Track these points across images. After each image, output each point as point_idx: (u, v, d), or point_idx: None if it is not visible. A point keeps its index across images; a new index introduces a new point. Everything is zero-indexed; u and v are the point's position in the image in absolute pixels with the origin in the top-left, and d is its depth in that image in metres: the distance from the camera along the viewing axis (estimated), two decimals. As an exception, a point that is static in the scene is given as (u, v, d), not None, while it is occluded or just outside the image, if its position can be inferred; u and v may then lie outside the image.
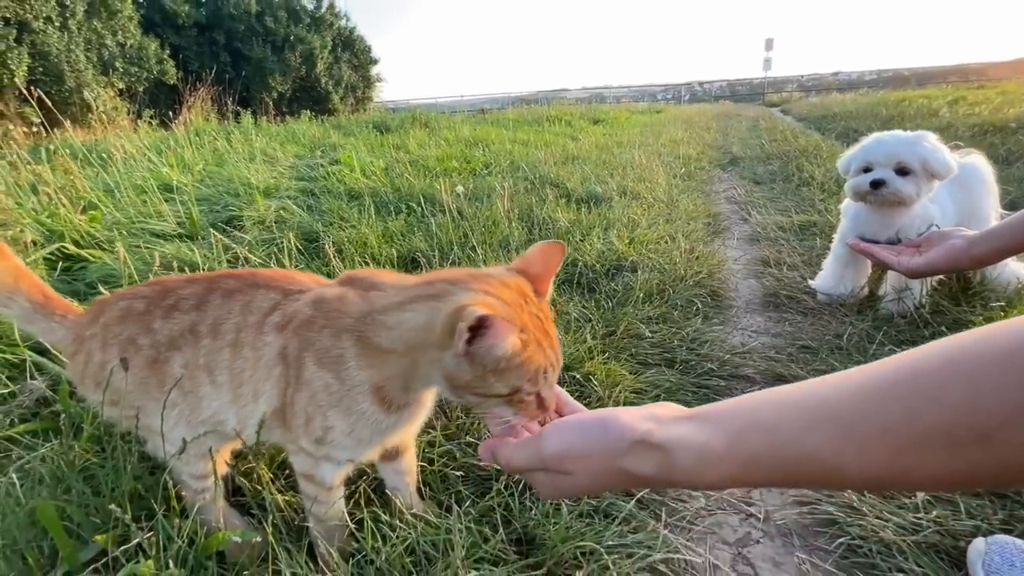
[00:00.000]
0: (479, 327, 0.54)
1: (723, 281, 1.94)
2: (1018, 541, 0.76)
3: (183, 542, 0.76)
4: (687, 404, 0.56)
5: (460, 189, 2.59)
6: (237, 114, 6.31)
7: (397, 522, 0.81)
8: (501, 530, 0.81)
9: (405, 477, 0.88)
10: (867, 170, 1.54)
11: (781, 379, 1.32)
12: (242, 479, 0.92)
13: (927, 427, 0.36)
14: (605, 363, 1.31)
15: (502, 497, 0.90)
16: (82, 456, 0.95)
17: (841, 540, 0.86)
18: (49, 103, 3.30)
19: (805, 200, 2.94)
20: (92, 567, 0.78)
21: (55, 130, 4.34)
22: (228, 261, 1.90)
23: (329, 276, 1.12)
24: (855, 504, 0.90)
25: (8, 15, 8.58)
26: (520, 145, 4.94)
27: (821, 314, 1.65)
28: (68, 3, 9.73)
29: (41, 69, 8.83)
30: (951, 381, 0.36)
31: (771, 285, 1.87)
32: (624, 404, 1.17)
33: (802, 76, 28.95)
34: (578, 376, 1.25)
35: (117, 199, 2.62)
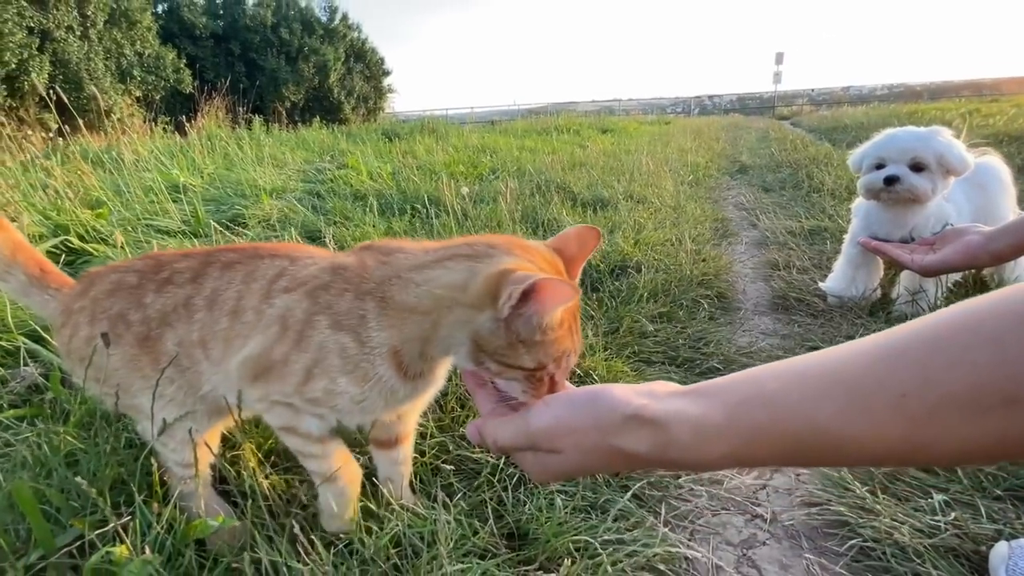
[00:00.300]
0: (530, 291, 0.52)
1: (730, 283, 1.90)
2: (1044, 545, 0.71)
3: (162, 528, 0.74)
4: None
5: (465, 190, 2.58)
6: (249, 121, 6.40)
7: (384, 513, 0.78)
8: (491, 523, 0.78)
9: (400, 467, 0.85)
10: (880, 167, 1.49)
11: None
12: (227, 466, 0.89)
13: (948, 392, 0.33)
14: (607, 360, 1.27)
15: (494, 491, 0.87)
16: (67, 441, 0.93)
17: (853, 542, 0.81)
18: (70, 108, 3.36)
19: (815, 206, 2.90)
20: (68, 552, 0.75)
21: (73, 135, 4.41)
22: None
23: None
24: (867, 504, 0.85)
25: (32, 24, 8.83)
26: (528, 152, 4.95)
27: (832, 316, 1.61)
28: (89, 13, 9.99)
29: (61, 76, 9.04)
30: (974, 343, 0.33)
31: (780, 287, 1.83)
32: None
33: (812, 90, 28.92)
34: (578, 371, 1.22)
35: (126, 198, 2.64)
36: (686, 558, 0.80)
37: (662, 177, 3.58)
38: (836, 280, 1.68)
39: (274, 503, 0.82)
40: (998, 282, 1.57)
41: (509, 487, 0.87)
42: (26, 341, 1.25)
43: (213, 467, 0.88)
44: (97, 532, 0.72)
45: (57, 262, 1.85)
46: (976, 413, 0.32)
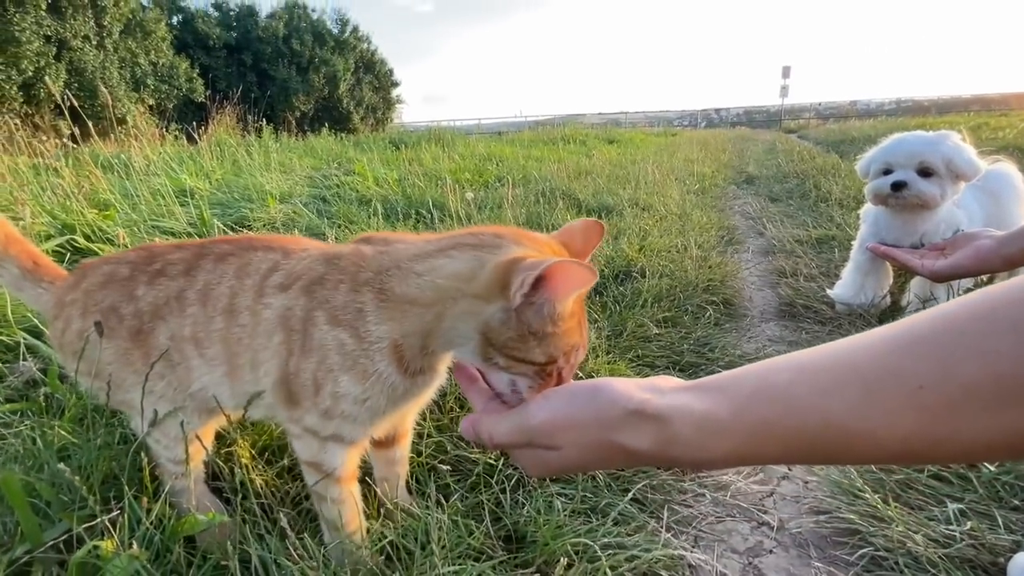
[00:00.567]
0: (544, 277, 0.50)
1: (737, 290, 1.88)
2: (1065, 556, 0.68)
3: (151, 524, 0.72)
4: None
5: (470, 195, 2.58)
6: (259, 130, 6.47)
7: (376, 512, 0.76)
8: (488, 524, 0.75)
9: (396, 467, 0.83)
10: (888, 172, 1.47)
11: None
12: (220, 463, 0.87)
13: (968, 383, 0.31)
14: (610, 363, 1.25)
15: (492, 492, 0.84)
16: (60, 435, 0.92)
17: (864, 551, 0.78)
18: (83, 115, 3.40)
19: (823, 215, 2.87)
20: (55, 546, 0.74)
21: (86, 141, 4.47)
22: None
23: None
24: (879, 512, 0.82)
25: (50, 33, 9.02)
26: (534, 161, 4.96)
27: (840, 323, 1.58)
28: (106, 23, 10.20)
29: (76, 84, 9.21)
30: (995, 331, 0.31)
31: (787, 295, 1.80)
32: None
33: (819, 104, 28.93)
34: (579, 374, 1.19)
35: (134, 201, 2.66)
36: (689, 565, 0.77)
37: (668, 186, 3.57)
38: (844, 287, 1.65)
39: (267, 500, 0.81)
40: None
41: (507, 488, 0.85)
42: (26, 336, 1.25)
43: (206, 463, 0.86)
44: (85, 526, 0.70)
45: (62, 260, 1.86)
46: (997, 405, 0.30)
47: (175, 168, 3.76)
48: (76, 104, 3.34)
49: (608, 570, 0.70)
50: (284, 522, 0.62)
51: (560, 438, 0.45)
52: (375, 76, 18.71)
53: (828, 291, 1.71)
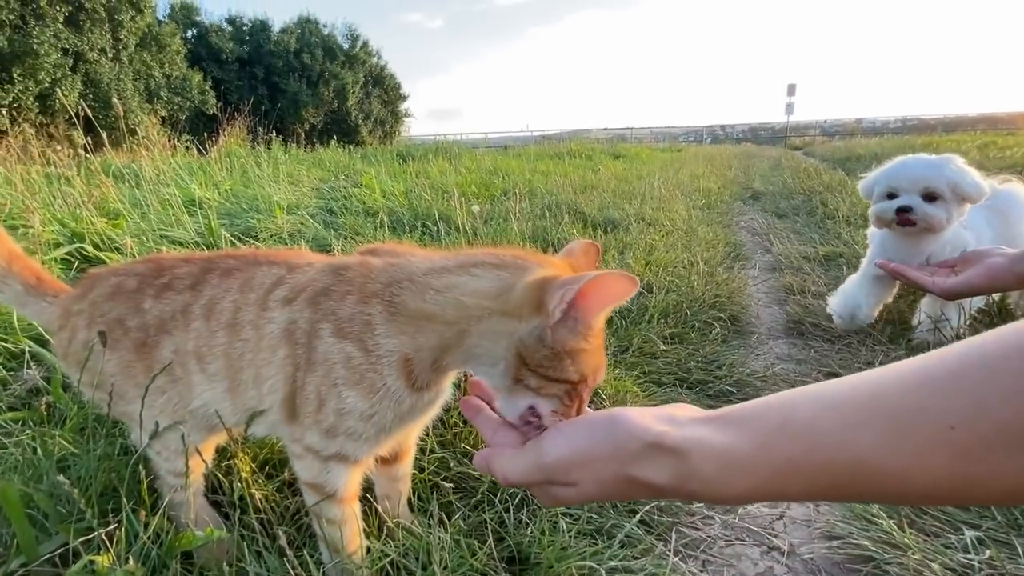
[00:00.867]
0: (584, 292, 0.50)
1: (744, 306, 1.86)
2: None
3: (148, 539, 0.71)
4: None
5: (476, 208, 2.59)
6: (269, 141, 6.55)
7: (376, 531, 0.74)
8: (491, 544, 0.74)
9: (398, 484, 0.81)
10: (892, 196, 1.46)
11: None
12: (220, 476, 0.86)
13: (1003, 422, 0.29)
14: (616, 379, 1.24)
15: (495, 511, 0.83)
16: (61, 445, 0.91)
17: (878, 579, 0.75)
18: (96, 126, 3.46)
19: (830, 232, 2.86)
20: (51, 559, 0.73)
21: (98, 151, 4.53)
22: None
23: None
24: (894, 539, 0.79)
25: (67, 46, 9.22)
26: (540, 175, 4.98)
27: (850, 342, 1.56)
28: (122, 37, 10.42)
29: (91, 96, 9.38)
30: None
31: (795, 312, 1.78)
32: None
33: (825, 121, 29.02)
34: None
35: (143, 210, 2.69)
36: (698, 590, 0.75)
37: (674, 201, 3.58)
38: (842, 299, 1.61)
39: (266, 515, 0.79)
40: (1024, 311, 1.52)
41: (511, 507, 0.83)
42: (31, 344, 1.25)
43: (206, 476, 0.85)
44: (82, 540, 0.69)
45: (70, 269, 1.87)
46: None
47: (185, 178, 3.80)
48: (90, 115, 3.40)
49: (614, 595, 0.68)
50: (283, 540, 0.61)
51: (577, 474, 0.44)
52: (384, 90, 18.96)
53: (830, 305, 1.66)
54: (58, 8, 9.04)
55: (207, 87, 12.71)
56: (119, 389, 0.76)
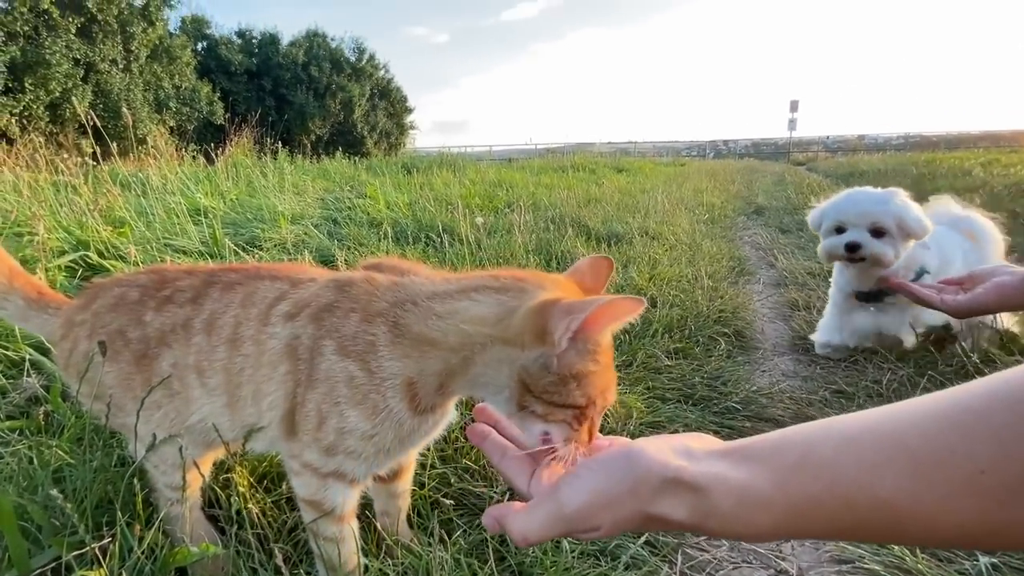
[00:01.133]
0: (592, 318, 0.49)
1: (748, 321, 1.85)
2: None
3: (142, 554, 0.69)
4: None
5: (480, 220, 2.59)
6: (275, 152, 6.61)
7: (375, 548, 0.72)
8: (492, 564, 0.72)
9: (398, 501, 0.80)
10: (840, 230, 1.45)
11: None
12: (218, 489, 0.85)
13: None
14: (620, 394, 1.22)
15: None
16: (57, 456, 0.90)
17: (890, 606, 0.73)
18: (105, 136, 3.50)
19: (834, 248, 2.84)
20: (43, 574, 0.71)
21: (107, 160, 4.58)
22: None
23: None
24: (906, 565, 0.77)
25: (79, 56, 9.37)
26: (544, 188, 5.00)
27: (856, 360, 1.54)
28: (133, 48, 10.59)
29: (101, 106, 9.51)
30: None
31: (800, 328, 1.77)
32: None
33: (827, 137, 29.16)
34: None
35: (149, 219, 2.70)
36: (704, 615, 0.73)
37: (677, 215, 3.58)
38: (825, 330, 1.61)
39: (263, 530, 0.78)
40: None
41: (513, 526, 0.82)
42: (31, 352, 1.24)
43: (203, 490, 0.84)
44: (75, 554, 0.68)
45: (74, 276, 1.87)
46: None
47: (191, 187, 3.82)
48: (99, 124, 3.43)
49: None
50: (279, 558, 0.59)
51: (599, 519, 0.42)
52: (390, 102, 19.17)
53: (811, 337, 1.67)
54: (71, 20, 9.20)
55: (215, 98, 12.87)
56: (117, 401, 0.75)
